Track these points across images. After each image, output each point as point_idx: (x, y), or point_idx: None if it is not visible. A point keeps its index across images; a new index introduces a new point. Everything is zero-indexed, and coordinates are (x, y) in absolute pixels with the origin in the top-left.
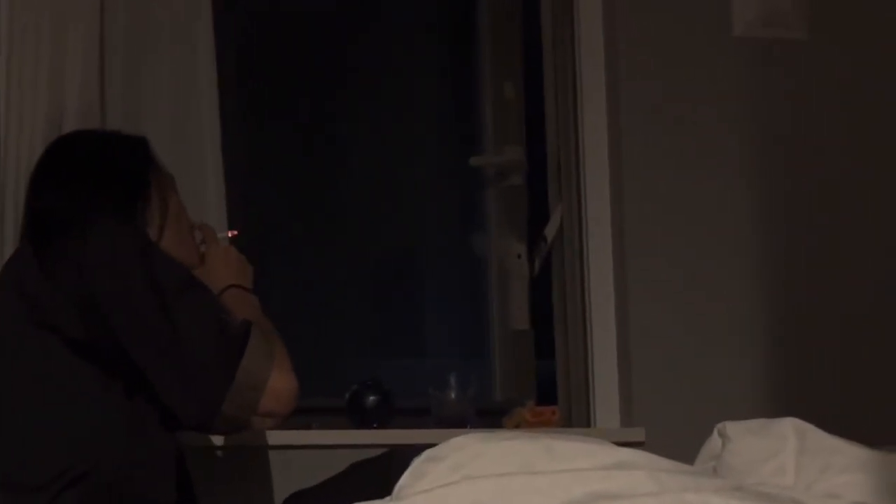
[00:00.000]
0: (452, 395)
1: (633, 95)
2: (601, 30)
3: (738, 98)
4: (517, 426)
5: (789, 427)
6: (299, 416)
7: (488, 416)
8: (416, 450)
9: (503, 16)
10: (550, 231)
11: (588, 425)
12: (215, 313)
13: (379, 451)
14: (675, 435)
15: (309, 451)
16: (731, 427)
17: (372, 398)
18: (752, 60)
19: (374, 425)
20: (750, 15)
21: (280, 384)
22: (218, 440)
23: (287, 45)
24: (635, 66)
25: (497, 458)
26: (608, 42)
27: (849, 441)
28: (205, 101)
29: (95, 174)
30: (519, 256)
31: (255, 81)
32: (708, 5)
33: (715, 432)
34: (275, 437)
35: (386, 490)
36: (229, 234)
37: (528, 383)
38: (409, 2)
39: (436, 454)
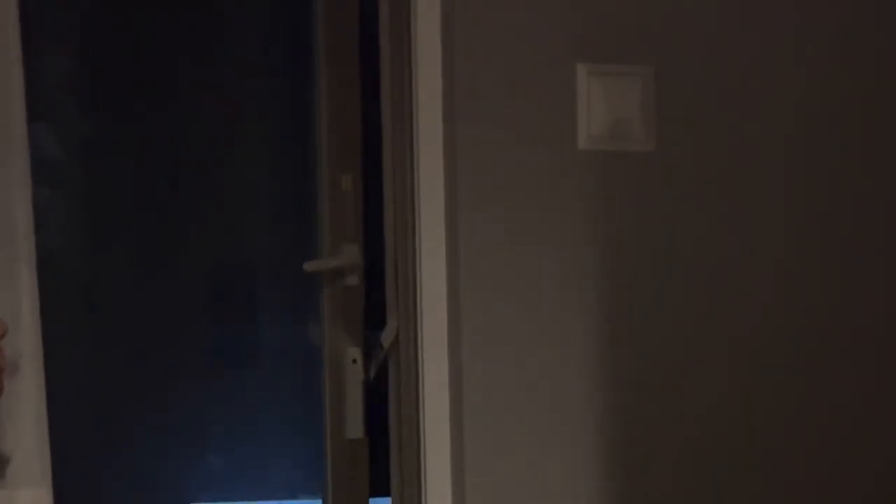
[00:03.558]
0: None
1: (472, 208)
2: (440, 137)
3: (583, 210)
4: None
5: None
6: None
7: None
8: None
9: (341, 103)
10: (387, 338)
11: None
12: None
13: None
14: None
15: None
16: None
17: None
18: (597, 173)
19: None
20: (595, 128)
21: None
22: None
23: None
24: (474, 178)
25: None
26: (448, 152)
27: None
28: None
29: None
30: (354, 361)
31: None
32: (551, 117)
33: None
34: None
35: None
36: None
37: (361, 497)
38: (240, 93)
39: None
